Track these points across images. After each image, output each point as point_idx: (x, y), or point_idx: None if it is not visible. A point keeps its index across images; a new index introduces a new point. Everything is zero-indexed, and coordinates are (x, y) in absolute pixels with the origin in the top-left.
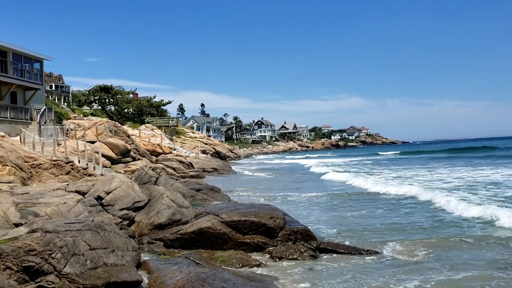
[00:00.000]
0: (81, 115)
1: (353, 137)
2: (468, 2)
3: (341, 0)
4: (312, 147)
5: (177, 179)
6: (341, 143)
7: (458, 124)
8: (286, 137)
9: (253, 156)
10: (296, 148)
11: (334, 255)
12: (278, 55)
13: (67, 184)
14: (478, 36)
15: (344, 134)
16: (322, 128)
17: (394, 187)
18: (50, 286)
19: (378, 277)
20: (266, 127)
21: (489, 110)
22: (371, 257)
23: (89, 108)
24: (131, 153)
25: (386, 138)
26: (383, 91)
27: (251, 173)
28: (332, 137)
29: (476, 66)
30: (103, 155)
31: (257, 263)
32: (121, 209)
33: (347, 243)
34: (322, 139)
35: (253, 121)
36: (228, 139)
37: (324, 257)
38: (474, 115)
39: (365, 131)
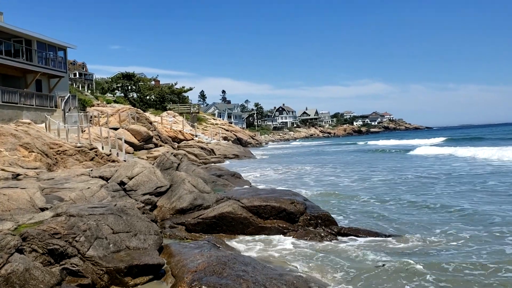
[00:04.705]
0: (104, 102)
1: (376, 123)
2: None
3: None
4: (334, 133)
5: (198, 165)
6: (363, 129)
7: (483, 109)
8: (307, 124)
9: (265, 144)
10: (318, 134)
11: (352, 238)
12: (299, 41)
13: (91, 170)
14: (503, 19)
15: (367, 120)
16: (344, 114)
17: None
18: (74, 268)
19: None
20: (287, 114)
21: None
22: (393, 239)
23: (112, 95)
24: (153, 139)
25: (409, 124)
26: (406, 76)
27: None
28: (354, 123)
29: (502, 50)
30: (126, 142)
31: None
32: (144, 194)
33: None
34: (344, 125)
35: (274, 107)
36: (249, 125)
37: (344, 240)
38: (500, 100)
39: (388, 116)
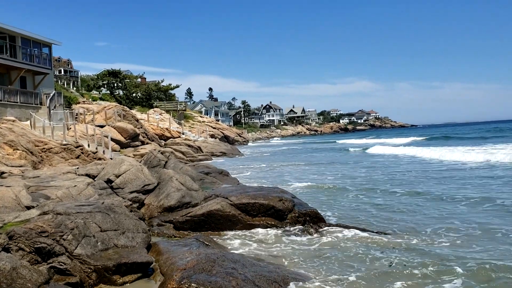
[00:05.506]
0: (90, 99)
1: (362, 121)
2: None
3: None
4: (321, 131)
5: (186, 163)
6: (349, 126)
7: (468, 107)
8: (294, 121)
9: (252, 141)
10: (305, 132)
11: (340, 234)
12: (286, 39)
13: (77, 168)
14: (488, 18)
15: (353, 117)
16: (331, 112)
17: None
18: (62, 267)
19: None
20: (274, 111)
21: (500, 92)
22: (381, 235)
23: (98, 93)
24: (140, 137)
25: (395, 122)
26: (392, 74)
27: None
28: (341, 121)
29: (487, 48)
30: (112, 139)
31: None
32: (131, 192)
33: None
34: (331, 123)
35: (262, 105)
36: (237, 123)
37: (330, 237)
38: (485, 98)
39: (373, 114)
